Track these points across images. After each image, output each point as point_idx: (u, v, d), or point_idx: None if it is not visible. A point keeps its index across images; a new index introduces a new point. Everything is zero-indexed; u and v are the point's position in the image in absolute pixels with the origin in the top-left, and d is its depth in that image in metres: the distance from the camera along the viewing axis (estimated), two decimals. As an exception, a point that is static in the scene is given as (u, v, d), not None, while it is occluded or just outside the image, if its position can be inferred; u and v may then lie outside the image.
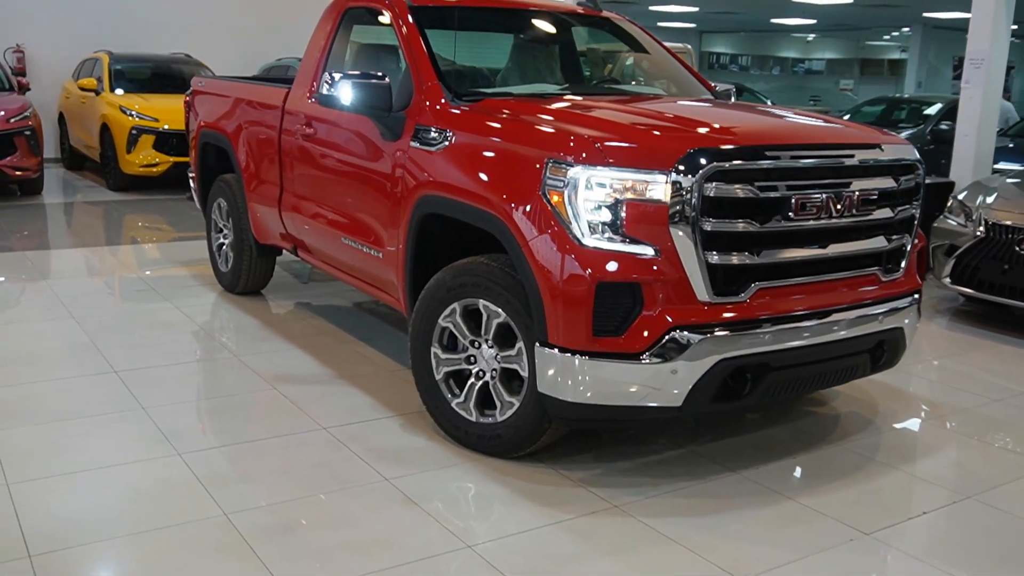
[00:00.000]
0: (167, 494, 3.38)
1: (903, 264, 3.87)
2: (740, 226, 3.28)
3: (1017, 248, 5.77)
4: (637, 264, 3.22)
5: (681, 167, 3.17)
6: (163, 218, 9.74)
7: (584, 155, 3.26)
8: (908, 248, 3.87)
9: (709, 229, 3.23)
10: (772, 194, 3.32)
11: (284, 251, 5.87)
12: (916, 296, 3.95)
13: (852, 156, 3.59)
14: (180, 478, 3.50)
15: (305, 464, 3.66)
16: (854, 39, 24.88)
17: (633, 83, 5.03)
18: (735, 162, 3.24)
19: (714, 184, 3.20)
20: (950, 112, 14.14)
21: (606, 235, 3.24)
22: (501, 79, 4.94)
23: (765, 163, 3.31)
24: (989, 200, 6.19)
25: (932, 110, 14.35)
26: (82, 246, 8.26)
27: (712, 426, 4.17)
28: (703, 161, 3.19)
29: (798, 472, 3.79)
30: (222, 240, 6.38)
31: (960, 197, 6.46)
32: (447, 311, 3.78)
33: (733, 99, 5.05)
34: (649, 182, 3.19)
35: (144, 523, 3.15)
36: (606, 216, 3.23)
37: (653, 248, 3.22)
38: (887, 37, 23.95)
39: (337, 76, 4.32)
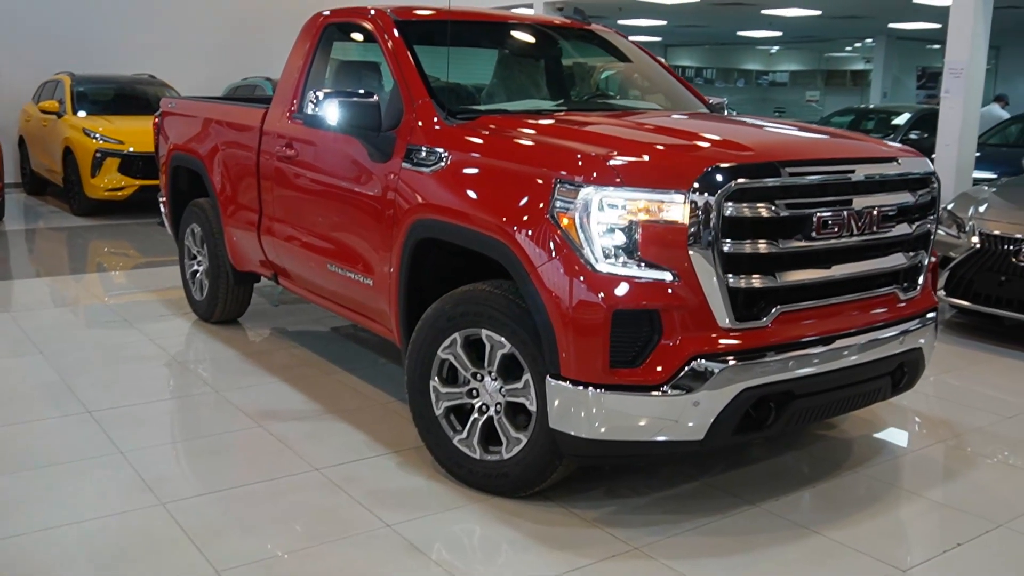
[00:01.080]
0: (152, 550, 3.11)
1: (920, 282, 3.72)
2: (761, 247, 3.10)
3: (1014, 259, 5.68)
4: (655, 290, 3.02)
5: (700, 186, 2.99)
6: (130, 243, 9.42)
7: (595, 175, 3.07)
8: (925, 265, 3.73)
9: (729, 250, 3.05)
10: (793, 212, 3.15)
11: (263, 278, 5.63)
12: (933, 314, 3.80)
13: (870, 170, 3.44)
14: (165, 532, 3.24)
15: (301, 511, 3.42)
16: (817, 51, 25.05)
17: (626, 97, 4.84)
18: (755, 179, 3.07)
19: (734, 203, 3.02)
20: (919, 122, 14.26)
21: (621, 259, 3.04)
22: (489, 95, 4.74)
23: (785, 180, 3.13)
24: (981, 210, 6.10)
25: (901, 120, 14.42)
26: (46, 275, 7.93)
27: (722, 455, 3.99)
28: (722, 179, 3.01)
29: (819, 503, 3.60)
30: (196, 267, 6.11)
31: (950, 208, 6.37)
32: (447, 342, 3.56)
33: (726, 113, 4.92)
34: (666, 202, 3.01)
35: (129, 585, 2.89)
36: (620, 239, 3.04)
37: (671, 272, 3.03)
38: (849, 48, 24.14)
39: (321, 95, 4.09)
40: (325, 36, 4.89)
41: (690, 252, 3.01)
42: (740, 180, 3.03)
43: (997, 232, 5.85)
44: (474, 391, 3.55)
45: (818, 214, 3.20)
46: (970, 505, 3.60)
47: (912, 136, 13.44)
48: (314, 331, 5.99)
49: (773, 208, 3.10)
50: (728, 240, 3.04)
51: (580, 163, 3.12)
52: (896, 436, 4.39)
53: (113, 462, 3.83)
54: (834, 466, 3.99)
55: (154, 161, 10.53)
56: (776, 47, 25.48)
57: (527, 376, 3.33)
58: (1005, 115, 14.04)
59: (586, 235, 3.06)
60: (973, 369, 5.46)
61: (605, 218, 3.04)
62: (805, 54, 25.73)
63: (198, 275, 6.09)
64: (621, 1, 13.37)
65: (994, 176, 9.82)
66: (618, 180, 3.03)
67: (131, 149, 10.61)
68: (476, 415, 3.54)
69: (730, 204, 3.02)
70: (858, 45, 23.06)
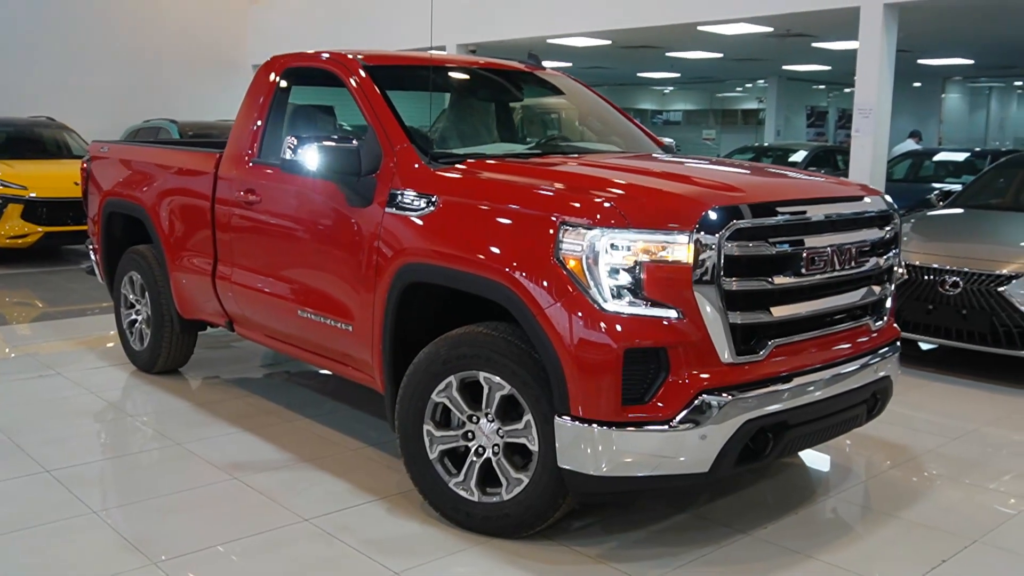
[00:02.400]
0: (157, 613, 2.99)
1: (886, 313, 3.93)
2: (758, 284, 3.24)
3: (940, 289, 6.03)
4: (662, 328, 3.11)
5: (703, 226, 3.11)
6: (39, 293, 9.01)
7: (600, 217, 3.15)
8: (890, 297, 3.94)
9: (729, 288, 3.17)
10: (785, 250, 3.30)
11: (213, 327, 5.48)
12: (898, 343, 4.01)
13: (846, 209, 3.64)
14: (165, 593, 3.12)
15: (303, 563, 3.34)
16: (709, 91, 26.09)
17: (587, 140, 4.97)
18: (752, 219, 3.21)
19: (733, 242, 3.15)
20: (815, 159, 15.00)
21: (628, 299, 3.12)
22: (448, 139, 4.78)
23: (778, 219, 3.29)
24: (905, 242, 6.46)
25: (797, 157, 15.12)
26: (-42, 329, 7.50)
27: (705, 485, 4.08)
28: (723, 219, 3.14)
29: (805, 528, 3.73)
30: (134, 316, 5.90)
31: (874, 241, 6.71)
32: (442, 385, 3.56)
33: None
34: (670, 243, 3.11)
35: (141, 651, 2.76)
36: (627, 279, 3.12)
37: (676, 310, 3.13)
38: (740, 89, 25.23)
39: (296, 140, 4.06)
40: (283, 80, 4.85)
41: (694, 290, 3.12)
42: (739, 220, 3.16)
43: (919, 263, 6.20)
44: (469, 433, 3.55)
45: (806, 251, 3.36)
46: (942, 523, 3.79)
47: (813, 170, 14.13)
48: (262, 378, 5.86)
49: (768, 246, 3.24)
50: (728, 278, 3.16)
51: (586, 206, 3.20)
52: (857, 461, 4.59)
53: (89, 523, 3.66)
54: (809, 492, 4.15)
55: (62, 207, 10.32)
56: (670, 88, 26.41)
57: (528, 417, 3.35)
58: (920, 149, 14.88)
59: (593, 276, 3.13)
60: (912, 395, 5.74)
61: (612, 259, 3.12)
62: (698, 94, 26.76)
63: (137, 324, 5.88)
64: (531, 44, 13.62)
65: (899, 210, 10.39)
66: (624, 222, 3.12)
67: (34, 194, 10.22)
68: (473, 457, 3.54)
69: (730, 243, 3.14)
70: (749, 85, 24.14)
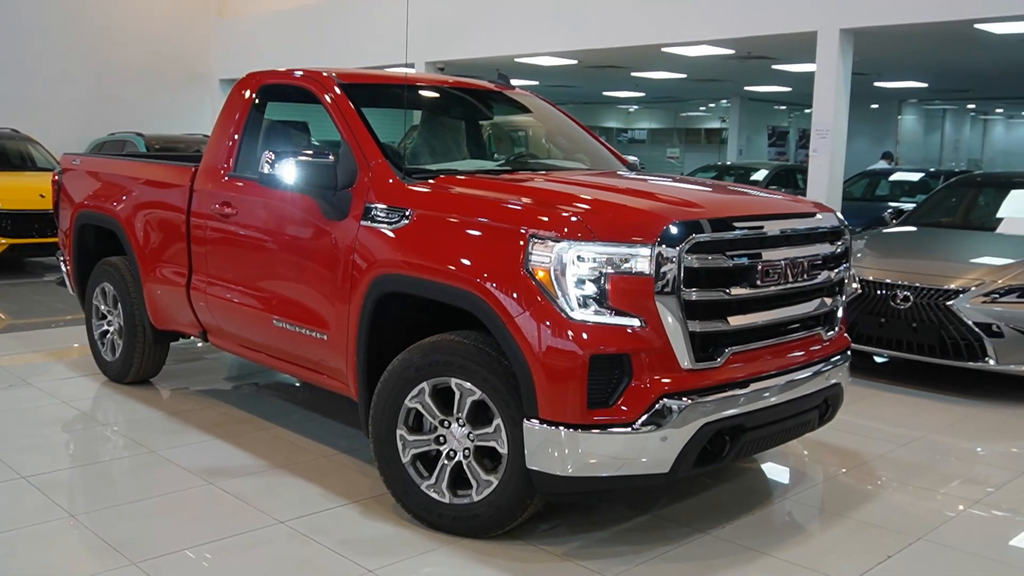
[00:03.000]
0: (138, 610, 3.09)
1: (837, 324, 4.14)
2: (716, 294, 3.43)
3: (891, 303, 6.28)
4: (626, 336, 3.28)
5: (664, 239, 3.29)
6: (5, 305, 8.98)
7: (567, 230, 3.32)
8: (841, 308, 4.16)
9: (690, 298, 3.35)
10: (741, 262, 3.50)
11: (188, 337, 5.58)
12: (848, 352, 4.23)
13: (799, 224, 3.85)
14: (146, 591, 3.22)
15: (280, 562, 3.46)
16: (673, 110, 26.54)
17: (555, 157, 5.15)
18: (711, 233, 3.40)
19: (693, 255, 3.34)
20: (776, 178, 15.37)
21: (593, 308, 3.29)
22: (419, 155, 4.94)
23: (736, 233, 3.49)
24: (858, 258, 6.72)
25: (759, 175, 15.49)
26: (-75, 339, 7.48)
27: (666, 489, 4.26)
28: (683, 233, 3.32)
29: (761, 528, 3.92)
30: (106, 327, 5.96)
31: (830, 257, 6.97)
32: (415, 391, 3.70)
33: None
34: (635, 255, 3.29)
35: (125, 645, 2.87)
36: (593, 289, 3.29)
37: (639, 319, 3.30)
38: (703, 108, 25.70)
39: (273, 155, 4.20)
40: (259, 96, 4.98)
41: (656, 300, 3.30)
42: (698, 234, 3.36)
43: (872, 278, 6.45)
44: (441, 438, 3.69)
45: (761, 264, 3.56)
46: (889, 522, 4.00)
47: (773, 189, 14.49)
48: (233, 389, 5.95)
49: (725, 259, 3.44)
50: (689, 288, 3.34)
51: (554, 220, 3.37)
52: (811, 466, 4.79)
53: (67, 526, 3.74)
54: (765, 495, 4.34)
55: (27, 219, 10.30)
56: (635, 106, 26.82)
57: (498, 420, 3.50)
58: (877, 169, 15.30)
59: (561, 286, 3.30)
60: (861, 404, 5.97)
61: (579, 270, 3.29)
62: (662, 113, 27.20)
63: (108, 335, 5.95)
64: (499, 63, 13.85)
65: (854, 228, 10.72)
66: (591, 235, 3.29)
67: (-1, 207, 10.18)
68: (444, 461, 3.68)
69: (689, 256, 3.33)
70: (712, 105, 24.59)
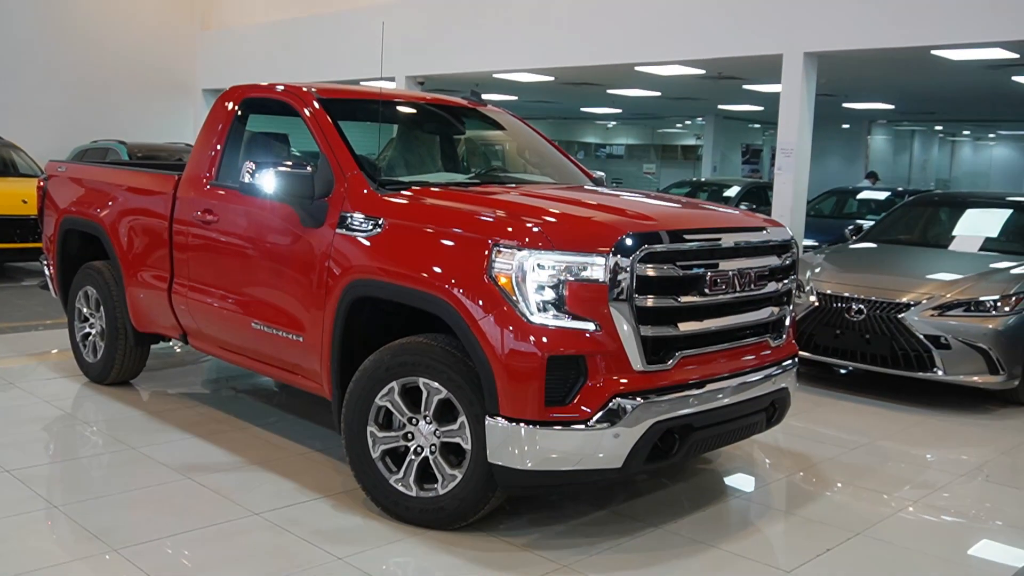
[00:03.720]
0: (120, 591, 3.29)
1: (784, 332, 4.40)
2: (666, 301, 3.67)
3: (846, 315, 6.56)
4: (581, 339, 3.52)
5: (619, 249, 3.54)
6: (-13, 308, 9.11)
7: (528, 240, 3.56)
8: (788, 317, 4.42)
9: (641, 304, 3.60)
10: (690, 272, 3.75)
11: (168, 340, 5.77)
12: (796, 359, 4.49)
13: (747, 238, 4.11)
14: (128, 574, 3.40)
15: (255, 550, 3.66)
16: (650, 127, 26.95)
17: (524, 171, 5.40)
18: (662, 244, 3.65)
19: (646, 264, 3.59)
20: (748, 194, 15.70)
21: (551, 312, 3.53)
22: (393, 167, 5.16)
23: (685, 245, 3.74)
24: (817, 272, 7.01)
25: (731, 192, 15.83)
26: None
27: (624, 487, 4.49)
28: (635, 244, 3.57)
29: (711, 523, 4.16)
30: (88, 329, 6.14)
31: (790, 271, 7.26)
32: (384, 390, 3.92)
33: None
34: (590, 264, 3.53)
35: (107, 622, 3.06)
36: (551, 295, 3.53)
37: (595, 323, 3.54)
38: (680, 125, 26.12)
39: (254, 165, 4.41)
40: (243, 109, 5.20)
41: (610, 306, 3.54)
42: (649, 245, 3.60)
43: (830, 292, 6.74)
44: (409, 434, 3.91)
45: (709, 274, 3.81)
46: (832, 519, 4.25)
47: (743, 207, 14.82)
48: (211, 391, 6.13)
49: (675, 269, 3.69)
50: (641, 296, 3.59)
51: (516, 230, 3.61)
52: (762, 468, 5.04)
53: (50, 515, 3.93)
54: (717, 493, 4.59)
55: (9, 224, 10.43)
56: (613, 123, 27.20)
57: (463, 418, 3.73)
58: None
59: (521, 292, 3.53)
60: (816, 412, 6.25)
61: (538, 277, 3.53)
62: (639, 129, 27.61)
63: (90, 337, 6.12)
64: (478, 78, 14.14)
65: (817, 244, 11.06)
66: (549, 245, 3.54)
67: (-19, 212, 10.30)
68: (412, 456, 3.90)
69: (642, 265, 3.58)
70: (688, 123, 25.02)
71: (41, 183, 6.69)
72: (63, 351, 6.78)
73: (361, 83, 14.21)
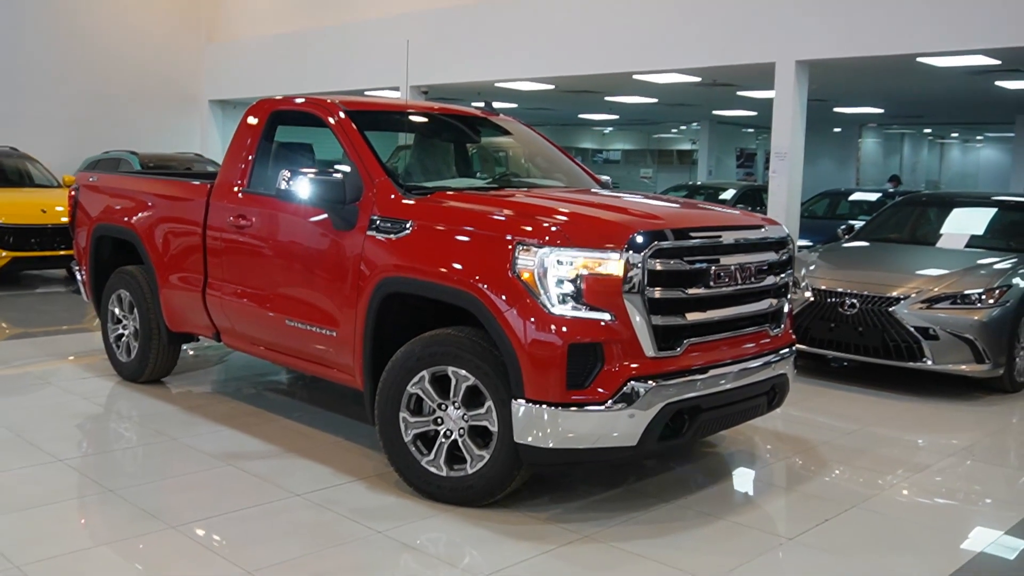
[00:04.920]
0: (183, 562, 3.62)
1: (782, 322, 4.75)
2: (675, 293, 4.02)
3: (840, 309, 6.92)
4: (598, 328, 3.87)
5: (631, 246, 3.88)
6: (12, 315, 9.43)
7: (548, 238, 3.91)
8: (785, 309, 4.77)
9: (652, 296, 3.94)
10: (696, 266, 4.10)
11: (198, 339, 6.10)
12: (793, 348, 4.84)
13: (748, 235, 4.46)
14: (187, 547, 3.74)
15: (300, 526, 3.99)
16: (646, 132, 27.36)
17: (536, 176, 5.74)
18: (671, 241, 4.00)
19: (656, 260, 3.94)
20: (743, 197, 16.06)
21: (571, 304, 3.88)
22: (420, 174, 5.50)
23: (691, 242, 4.09)
24: (811, 269, 7.37)
25: (727, 195, 16.18)
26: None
27: (636, 469, 4.84)
28: (647, 241, 3.92)
29: (718, 498, 4.50)
30: (121, 330, 6.46)
31: (786, 269, 7.62)
32: (416, 378, 4.26)
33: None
34: (606, 259, 3.88)
35: (177, 586, 3.39)
36: (570, 288, 3.88)
37: (610, 314, 3.89)
38: (675, 130, 26.53)
39: (289, 173, 4.75)
40: (271, 121, 5.54)
41: (624, 297, 3.89)
42: (660, 242, 3.96)
43: (824, 287, 7.10)
44: (439, 419, 4.25)
45: (713, 268, 4.16)
46: (829, 494, 4.60)
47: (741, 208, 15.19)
48: (241, 387, 6.46)
49: (682, 263, 4.04)
50: (651, 288, 3.94)
51: (537, 229, 3.96)
52: (763, 451, 5.39)
53: (107, 498, 4.26)
54: (723, 473, 4.94)
55: (27, 233, 10.75)
56: (610, 128, 27.60)
57: (489, 403, 4.07)
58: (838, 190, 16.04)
59: (543, 286, 3.88)
60: (812, 401, 6.59)
61: (558, 272, 3.88)
62: (636, 135, 28.01)
63: (123, 337, 6.44)
64: (480, 87, 14.50)
65: (811, 244, 11.43)
66: (568, 242, 3.88)
67: (1, 221, 10.61)
68: (442, 439, 4.24)
69: (652, 260, 3.93)
70: (684, 128, 25.42)
71: (72, 193, 7.02)
72: (92, 353, 7.10)
73: (366, 93, 14.58)
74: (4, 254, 10.59)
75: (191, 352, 7.45)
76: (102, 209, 6.58)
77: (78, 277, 7.00)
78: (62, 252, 10.62)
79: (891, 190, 16.43)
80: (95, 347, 6.88)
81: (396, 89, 13.97)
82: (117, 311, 6.49)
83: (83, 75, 17.30)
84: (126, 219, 6.29)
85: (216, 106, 19.29)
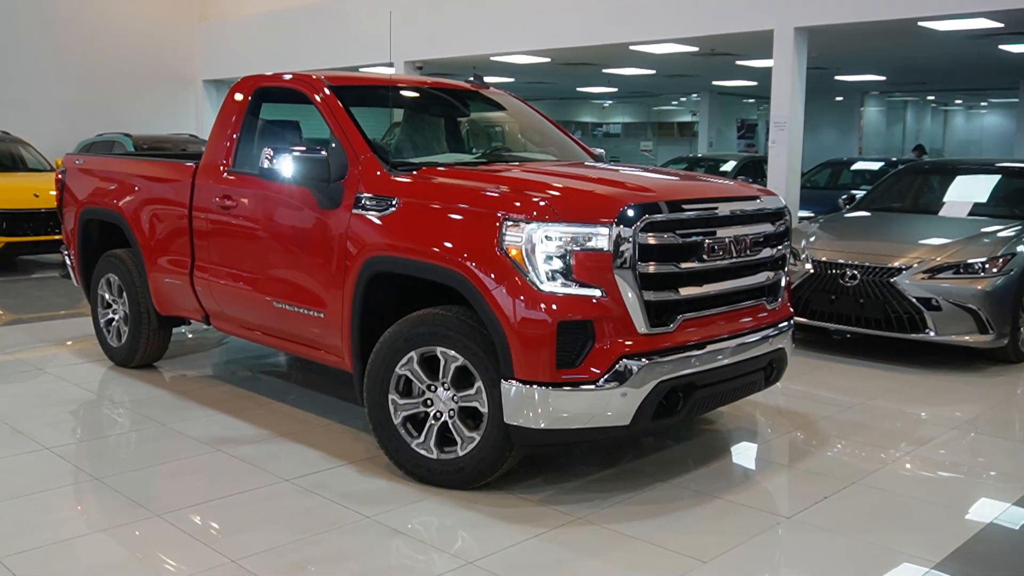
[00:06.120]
0: (168, 551, 3.54)
1: (780, 295, 4.64)
2: (667, 268, 3.91)
3: (841, 281, 6.80)
4: (589, 305, 3.76)
5: (621, 220, 3.77)
6: (6, 300, 9.35)
7: (536, 213, 3.79)
8: (783, 282, 4.65)
9: (644, 271, 3.83)
10: (689, 240, 3.98)
11: (189, 323, 6.01)
12: (791, 321, 4.73)
13: (742, 207, 4.34)
14: (173, 536, 3.66)
15: (287, 512, 3.91)
16: (646, 105, 27.11)
17: (527, 150, 5.62)
18: (662, 214, 3.88)
19: (647, 233, 3.82)
20: (744, 168, 15.91)
21: (560, 281, 3.77)
22: (402, 149, 5.38)
23: (684, 214, 3.97)
24: (812, 241, 7.24)
25: (728, 167, 16.04)
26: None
27: (633, 448, 4.75)
28: (638, 214, 3.80)
29: (715, 477, 4.41)
30: (112, 315, 6.37)
31: (786, 241, 7.49)
32: (404, 359, 4.16)
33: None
34: (596, 234, 3.76)
35: (159, 576, 3.31)
36: (559, 264, 3.77)
37: (600, 290, 3.78)
38: (675, 103, 26.28)
39: (272, 151, 4.64)
40: (256, 98, 5.41)
41: (614, 273, 3.78)
42: (650, 215, 3.84)
43: (825, 259, 6.97)
44: (428, 401, 4.15)
45: (707, 241, 4.05)
46: (829, 471, 4.50)
47: (740, 180, 15.05)
48: (232, 371, 6.38)
49: (674, 237, 3.92)
50: (642, 263, 3.83)
51: (525, 204, 3.84)
52: (763, 426, 5.30)
53: (94, 487, 4.18)
54: (721, 451, 4.84)
55: (21, 218, 10.65)
56: (609, 101, 27.36)
57: (479, 383, 3.97)
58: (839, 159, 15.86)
59: (532, 262, 3.77)
60: (813, 374, 6.50)
61: (546, 248, 3.76)
62: (635, 108, 27.76)
63: (114, 322, 6.36)
64: (476, 61, 14.31)
65: (812, 215, 11.29)
66: (556, 217, 3.77)
67: (-8, 206, 10.52)
68: (432, 421, 4.14)
69: (643, 234, 3.81)
70: (684, 100, 25.18)
71: (59, 176, 6.91)
72: (85, 339, 7.02)
73: (360, 69, 14.40)
74: (-1, 239, 10.52)
75: (189, 335, 7.37)
76: (89, 192, 6.48)
77: (67, 262, 6.91)
78: (56, 236, 10.51)
79: (915, 159, 16.25)
80: (88, 332, 6.79)
81: (391, 65, 13.79)
82: (107, 296, 6.40)
83: (76, 57, 17.13)
84: (113, 202, 6.18)
85: (211, 86, 19.12)
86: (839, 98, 22.65)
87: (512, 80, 18.23)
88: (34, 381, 6.02)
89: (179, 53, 18.73)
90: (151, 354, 6.27)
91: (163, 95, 18.45)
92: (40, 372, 6.22)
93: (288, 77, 5.26)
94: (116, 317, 6.34)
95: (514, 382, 3.78)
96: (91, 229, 6.57)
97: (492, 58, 14.08)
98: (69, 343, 7.10)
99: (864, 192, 9.31)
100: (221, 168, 5.36)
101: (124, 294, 6.18)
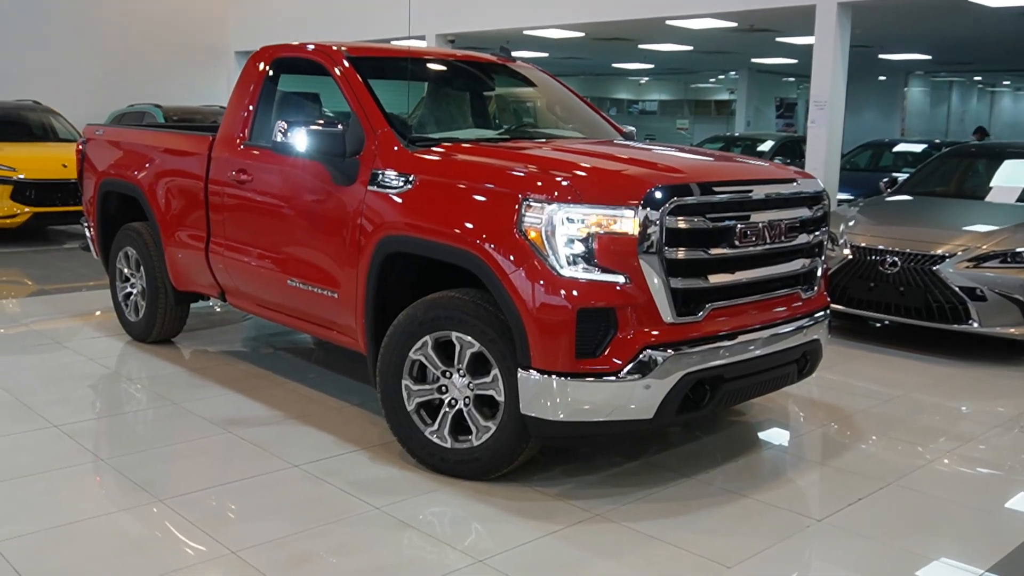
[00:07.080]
0: (168, 539, 3.41)
1: (816, 284, 4.39)
2: (695, 253, 3.69)
3: (880, 268, 6.52)
4: (611, 291, 3.55)
5: (647, 202, 3.55)
6: (31, 271, 9.34)
7: (558, 193, 3.58)
8: (820, 269, 4.41)
9: (671, 257, 3.61)
10: (719, 224, 3.75)
11: (207, 299, 5.89)
12: (827, 311, 4.48)
13: (777, 190, 4.09)
14: (172, 522, 3.53)
15: (294, 500, 3.76)
16: (683, 82, 26.62)
17: (553, 127, 5.40)
18: (692, 197, 3.66)
19: (676, 217, 3.60)
20: (782, 148, 15.52)
21: (581, 266, 3.56)
22: (425, 124, 5.19)
23: (715, 197, 3.74)
24: (851, 226, 6.95)
25: (765, 147, 15.65)
26: (-45, 303, 7.83)
27: (657, 439, 4.55)
28: (665, 197, 3.58)
29: (742, 473, 4.20)
30: (129, 289, 6.27)
31: (824, 224, 7.21)
32: (418, 344, 3.98)
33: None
34: (619, 216, 3.55)
35: (156, 569, 3.17)
36: (580, 248, 3.56)
37: (624, 275, 3.57)
38: (713, 80, 25.78)
39: (286, 124, 4.46)
40: (272, 69, 5.23)
41: (640, 259, 3.56)
42: (679, 198, 3.61)
43: (864, 244, 6.69)
44: (443, 387, 3.98)
45: (739, 226, 3.81)
46: (864, 469, 4.27)
47: (777, 161, 14.67)
48: (250, 348, 6.25)
49: (704, 221, 3.70)
50: (670, 248, 3.61)
51: (546, 184, 3.63)
52: (795, 419, 5.07)
53: (98, 468, 4.07)
54: (749, 445, 4.62)
55: (50, 188, 10.62)
56: (646, 78, 26.90)
57: (495, 371, 3.79)
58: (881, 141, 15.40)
59: (551, 245, 3.56)
60: (850, 364, 6.24)
61: (567, 231, 3.55)
62: (672, 85, 27.28)
63: (132, 296, 6.26)
64: (508, 35, 14.04)
65: (852, 197, 10.94)
66: (578, 198, 3.56)
67: (22, 176, 10.50)
68: (446, 409, 3.97)
69: (671, 218, 3.59)
70: (721, 77, 24.68)
71: (80, 147, 6.80)
72: (106, 311, 6.93)
73: (392, 42, 14.19)
74: (26, 210, 10.50)
75: (216, 308, 7.27)
76: (108, 163, 6.36)
77: (87, 234, 6.82)
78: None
79: (977, 143, 15.74)
80: (110, 305, 6.70)
81: (421, 38, 13.57)
82: (125, 269, 6.30)
83: (108, 28, 17.06)
84: (131, 173, 6.06)
85: (242, 57, 18.97)
86: (882, 78, 22.04)
87: (546, 55, 17.92)
88: (50, 355, 5.94)
89: (211, 25, 18.62)
90: (168, 330, 6.16)
91: (195, 66, 18.36)
92: (57, 346, 6.14)
93: (308, 47, 5.07)
94: (134, 291, 6.23)
95: (531, 371, 3.59)
96: (110, 201, 6.46)
97: (525, 32, 13.79)
98: (90, 316, 7.02)
99: (906, 175, 8.96)
100: (238, 141, 5.21)
101: (141, 268, 6.07)
